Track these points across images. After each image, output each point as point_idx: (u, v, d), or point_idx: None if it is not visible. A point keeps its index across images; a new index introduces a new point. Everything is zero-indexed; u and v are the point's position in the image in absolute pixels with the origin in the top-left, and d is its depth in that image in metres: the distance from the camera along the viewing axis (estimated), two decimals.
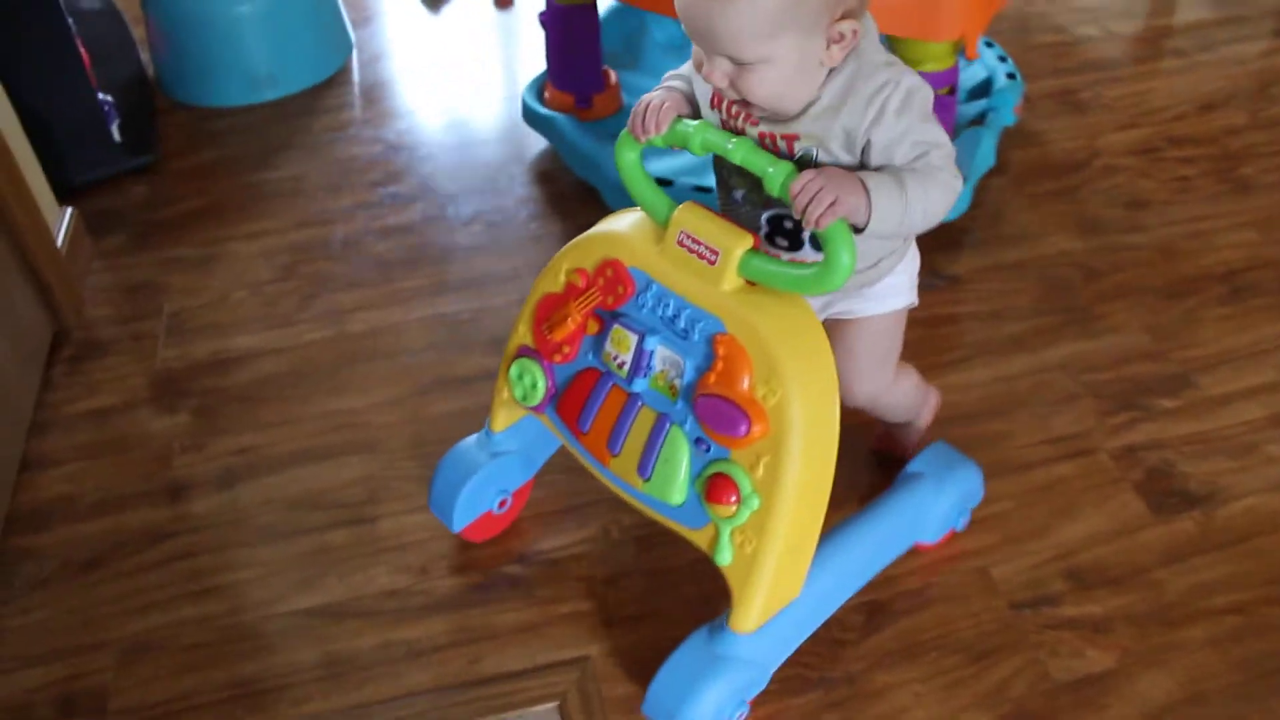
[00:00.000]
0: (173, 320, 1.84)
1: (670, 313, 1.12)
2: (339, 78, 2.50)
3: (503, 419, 1.36)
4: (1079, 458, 1.53)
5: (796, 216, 1.01)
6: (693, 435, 1.13)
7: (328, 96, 2.44)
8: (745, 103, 1.07)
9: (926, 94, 1.07)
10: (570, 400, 1.22)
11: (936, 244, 1.88)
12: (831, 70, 1.05)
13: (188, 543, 1.48)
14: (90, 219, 2.02)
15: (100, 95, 2.12)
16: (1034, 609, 1.35)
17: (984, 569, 1.39)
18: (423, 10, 2.78)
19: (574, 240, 1.21)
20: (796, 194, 1.00)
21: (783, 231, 1.18)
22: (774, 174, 1.02)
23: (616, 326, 1.15)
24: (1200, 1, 2.58)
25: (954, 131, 1.85)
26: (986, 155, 1.94)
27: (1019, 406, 1.61)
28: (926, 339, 1.73)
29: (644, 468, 1.16)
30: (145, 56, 2.48)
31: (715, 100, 1.12)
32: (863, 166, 1.07)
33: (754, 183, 1.09)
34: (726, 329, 1.08)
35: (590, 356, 1.21)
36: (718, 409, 1.09)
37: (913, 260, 1.28)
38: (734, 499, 1.10)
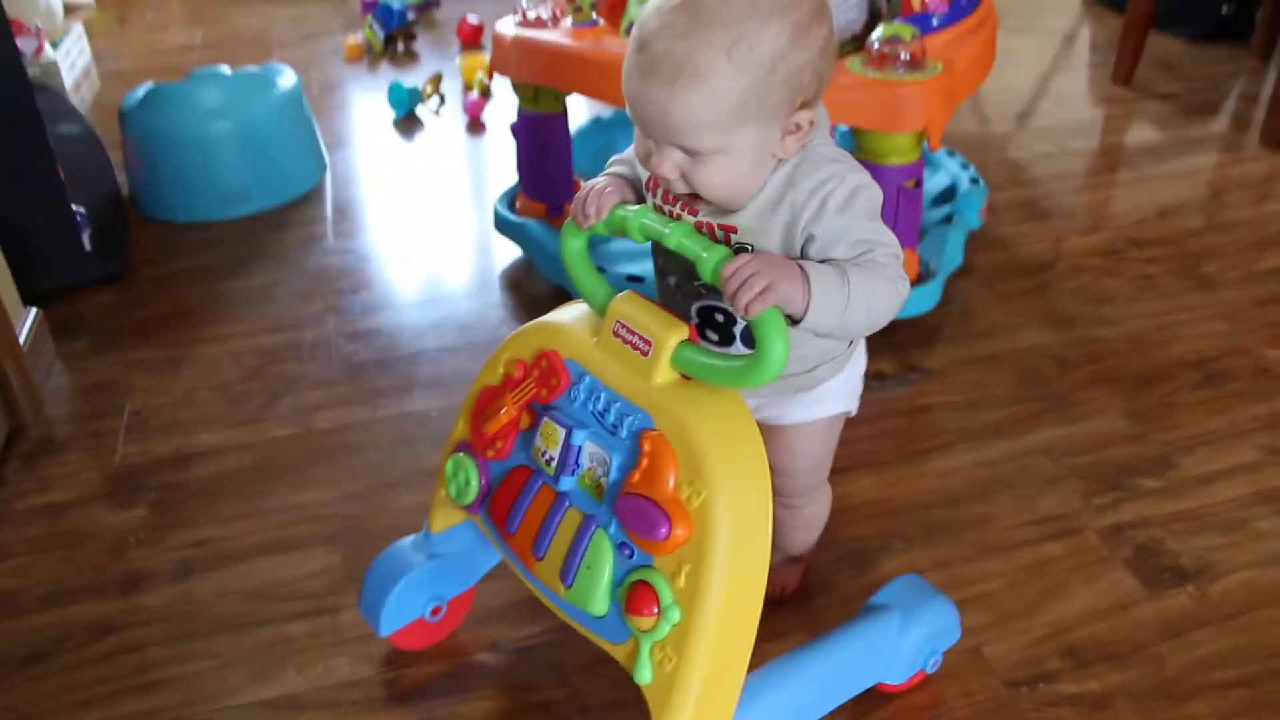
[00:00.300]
0: (134, 418, 1.79)
1: (600, 406, 1.05)
2: (312, 195, 2.52)
3: (441, 519, 1.27)
4: (1066, 537, 1.49)
5: (726, 303, 0.94)
6: (617, 539, 1.03)
7: (300, 212, 2.46)
8: (692, 195, 1.02)
9: (874, 193, 1.01)
10: (500, 499, 1.14)
11: (910, 339, 1.89)
12: (778, 161, 1.01)
13: (138, 635, 1.40)
14: (56, 324, 1.99)
15: (74, 207, 2.12)
16: (1030, 687, 1.29)
17: (976, 648, 1.33)
18: (396, 135, 2.85)
19: (515, 331, 1.16)
20: (728, 278, 0.93)
21: (713, 324, 1.12)
22: (708, 259, 0.95)
23: (546, 420, 1.08)
24: (1149, 124, 2.69)
25: (921, 229, 1.88)
26: (954, 253, 1.97)
27: (1002, 489, 1.57)
28: (906, 428, 1.71)
29: (566, 573, 1.06)
30: (121, 178, 2.50)
31: (651, 184, 1.07)
32: None
33: (686, 270, 1.05)
34: (654, 424, 1.00)
35: (523, 453, 1.12)
36: (638, 509, 0.99)
37: (856, 364, 1.22)
38: (654, 610, 0.99)
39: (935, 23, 1.85)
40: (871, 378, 1.79)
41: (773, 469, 1.19)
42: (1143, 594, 1.40)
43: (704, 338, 1.12)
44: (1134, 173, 2.47)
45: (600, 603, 1.04)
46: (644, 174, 1.07)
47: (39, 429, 1.79)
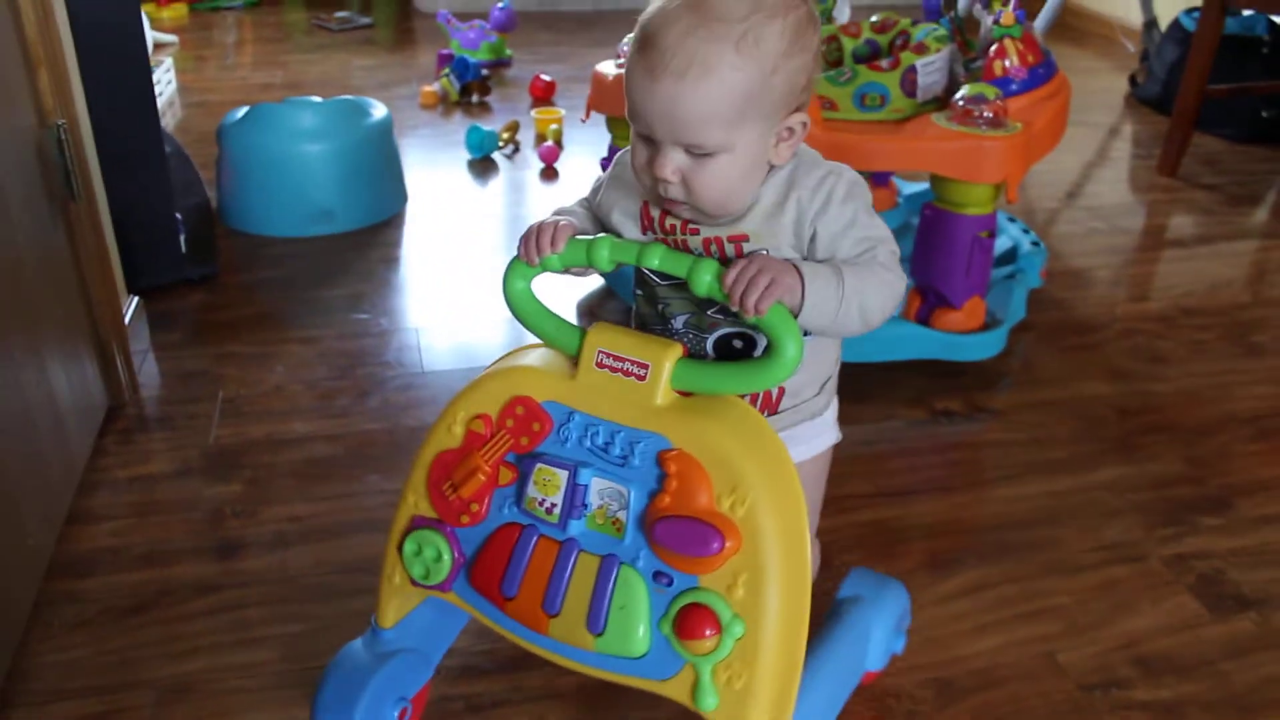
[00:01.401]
0: (227, 404, 1.86)
1: (601, 440, 1.00)
2: (393, 221, 2.63)
3: (394, 611, 1.16)
4: (1132, 562, 1.54)
5: (734, 308, 0.95)
6: (649, 570, 0.98)
7: (383, 235, 2.56)
8: (684, 213, 1.02)
9: (867, 190, 1.04)
10: (487, 565, 1.05)
11: (976, 382, 1.97)
12: (771, 169, 1.02)
13: (236, 596, 1.45)
14: (151, 317, 2.08)
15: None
16: (1104, 691, 1.33)
17: (1050, 654, 1.38)
18: (472, 175, 2.96)
19: (466, 387, 1.08)
20: (731, 284, 0.94)
21: (732, 353, 1.08)
22: (700, 272, 0.95)
23: (540, 466, 1.02)
24: (1194, 210, 2.80)
25: (988, 282, 1.97)
26: (1018, 306, 2.06)
27: (1069, 517, 1.63)
28: (973, 460, 1.78)
29: (594, 621, 1.00)
30: (210, 193, 2.61)
31: (645, 220, 1.06)
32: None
33: (696, 305, 1.05)
34: (673, 444, 0.97)
35: (506, 510, 1.05)
36: (682, 531, 0.95)
37: (835, 394, 1.21)
38: (714, 630, 0.95)
39: (1015, 87, 1.97)
40: (940, 415, 1.88)
41: None
42: (1207, 617, 1.45)
43: None
44: (1182, 251, 2.57)
45: (641, 642, 0.99)
46: (632, 209, 1.07)
47: (135, 409, 1.86)
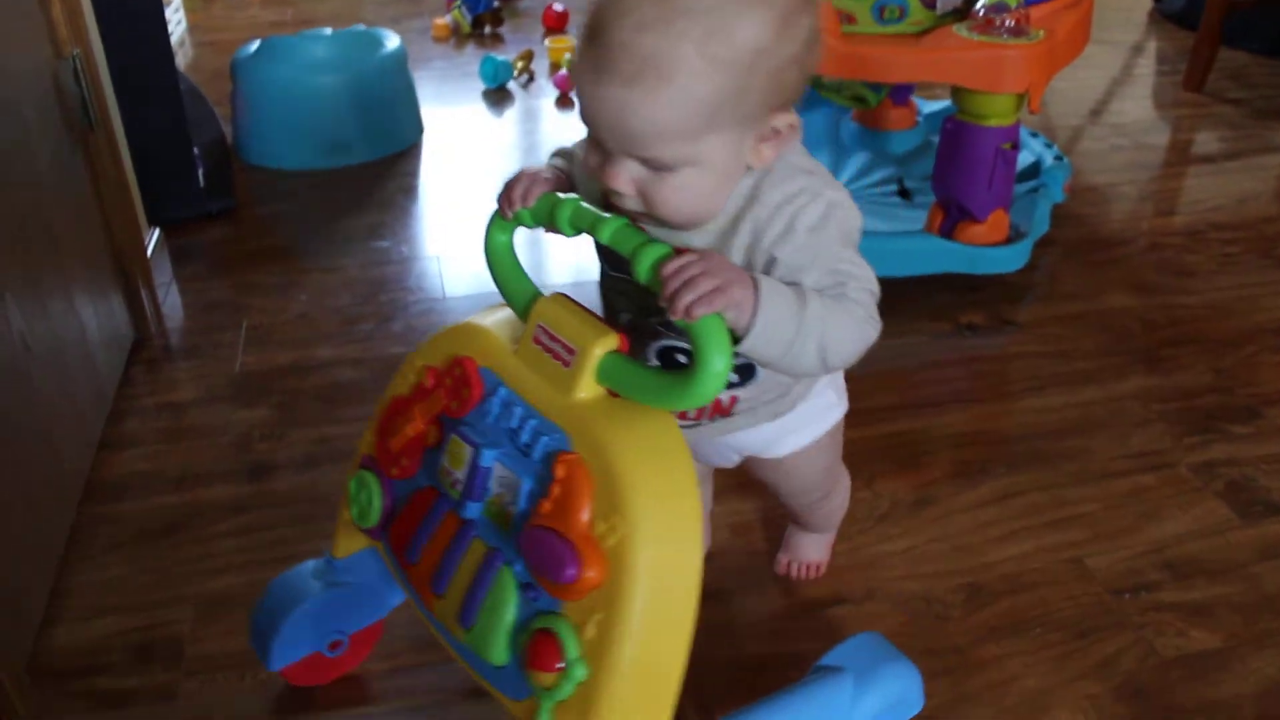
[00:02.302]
0: (252, 332, 1.87)
1: (514, 423, 0.90)
2: (410, 152, 2.61)
3: (345, 544, 1.12)
4: (1159, 470, 1.54)
5: (664, 304, 0.79)
6: (522, 579, 0.89)
7: (400, 165, 2.55)
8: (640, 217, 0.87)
9: (852, 215, 0.87)
10: (403, 524, 1.00)
11: (999, 295, 1.95)
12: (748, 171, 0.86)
13: (269, 516, 1.47)
14: (173, 251, 2.08)
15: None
16: (1134, 594, 1.33)
17: (1078, 559, 1.39)
18: (487, 105, 2.94)
19: (432, 334, 1.03)
20: (669, 275, 0.78)
21: (676, 366, 0.95)
22: (645, 255, 0.81)
23: (454, 437, 0.94)
24: (1221, 125, 2.75)
25: (1011, 195, 1.95)
26: (1042, 219, 2.03)
27: (1097, 428, 1.63)
28: (999, 372, 1.77)
29: (466, 614, 0.92)
30: (225, 128, 2.60)
31: (602, 207, 0.89)
32: None
33: (642, 305, 0.93)
34: (572, 446, 0.86)
35: (427, 474, 0.99)
36: (543, 544, 0.84)
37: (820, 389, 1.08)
38: (557, 665, 0.84)
39: None
40: (964, 328, 1.87)
41: (779, 493, 1.21)
42: (1237, 522, 1.45)
43: None
44: (1209, 166, 2.53)
45: (501, 651, 0.90)
46: (593, 189, 0.91)
47: (161, 339, 1.87)
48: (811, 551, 1.35)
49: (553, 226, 0.89)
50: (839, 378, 1.12)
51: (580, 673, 0.83)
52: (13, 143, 1.40)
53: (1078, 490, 1.50)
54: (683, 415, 1.00)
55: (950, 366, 1.79)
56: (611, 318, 0.99)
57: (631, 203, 0.84)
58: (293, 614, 1.14)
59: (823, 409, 1.09)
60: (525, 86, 3.02)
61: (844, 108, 2.48)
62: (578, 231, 0.87)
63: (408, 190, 2.43)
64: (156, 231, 1.99)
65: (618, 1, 0.77)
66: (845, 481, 1.29)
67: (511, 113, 2.93)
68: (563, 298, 0.91)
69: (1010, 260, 1.94)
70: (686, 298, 0.77)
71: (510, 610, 0.89)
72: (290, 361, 1.79)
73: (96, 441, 1.58)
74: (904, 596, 1.33)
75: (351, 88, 2.48)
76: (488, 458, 0.91)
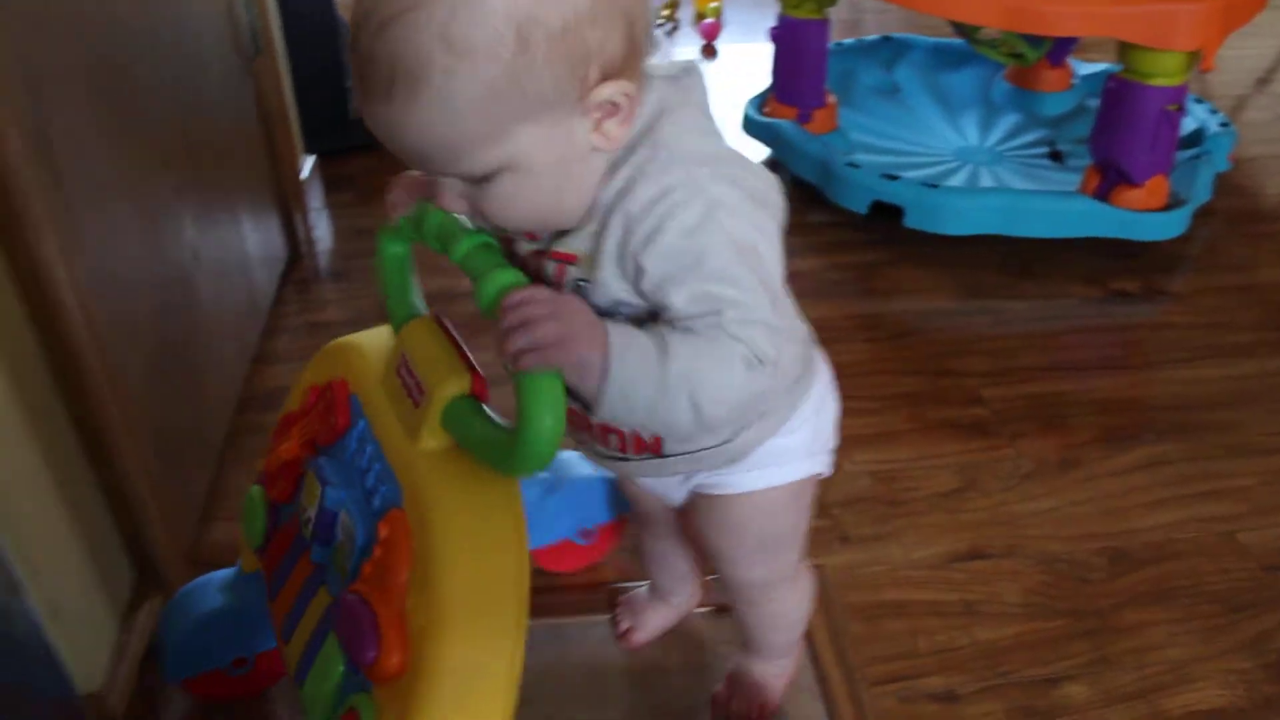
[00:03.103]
0: None
1: (364, 463, 0.80)
2: None
3: (248, 558, 1.00)
4: None
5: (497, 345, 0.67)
6: None
7: None
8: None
9: (745, 220, 0.68)
10: (273, 553, 0.90)
11: (1154, 264, 1.89)
12: (621, 155, 0.70)
13: None
14: (325, 179, 2.14)
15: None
16: None
17: (1231, 533, 1.34)
18: None
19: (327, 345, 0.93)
20: (508, 307, 0.66)
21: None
22: (490, 281, 0.68)
23: (310, 471, 0.84)
24: None
25: (1173, 160, 1.87)
26: (1204, 187, 1.95)
27: (1252, 401, 1.57)
28: (1151, 340, 1.72)
29: (301, 670, 0.82)
30: None
31: None
32: (652, 315, 0.71)
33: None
34: (402, 503, 0.75)
35: (295, 505, 0.88)
36: (351, 614, 0.73)
37: (817, 413, 0.87)
38: None
39: None
40: (1115, 295, 1.81)
41: (716, 555, 0.95)
42: None
43: (576, 399, 0.73)
44: None
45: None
46: None
47: (312, 261, 1.93)
48: (755, 688, 1.08)
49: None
50: (824, 424, 0.89)
51: None
52: (191, 62, 1.45)
53: (1230, 463, 1.45)
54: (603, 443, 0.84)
55: (1099, 332, 1.74)
56: None
57: (476, 219, 0.72)
58: (187, 629, 1.05)
59: (791, 453, 0.87)
60: (669, 35, 3.01)
61: (998, 65, 2.42)
62: (442, 247, 0.72)
63: None
64: (311, 159, 2.05)
65: (357, 6, 0.64)
66: (803, 585, 1.03)
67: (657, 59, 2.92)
68: (432, 323, 0.79)
69: (1168, 227, 1.86)
70: (518, 341, 0.65)
71: (334, 678, 0.78)
72: (437, 289, 1.79)
73: (252, 355, 1.65)
74: (1045, 556, 1.30)
75: None
76: (333, 500, 0.80)
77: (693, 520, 0.96)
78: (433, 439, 0.75)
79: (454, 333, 0.79)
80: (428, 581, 0.71)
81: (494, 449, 0.70)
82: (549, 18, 0.62)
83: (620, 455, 0.85)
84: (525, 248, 0.76)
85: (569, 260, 0.73)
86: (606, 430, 0.82)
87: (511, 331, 0.65)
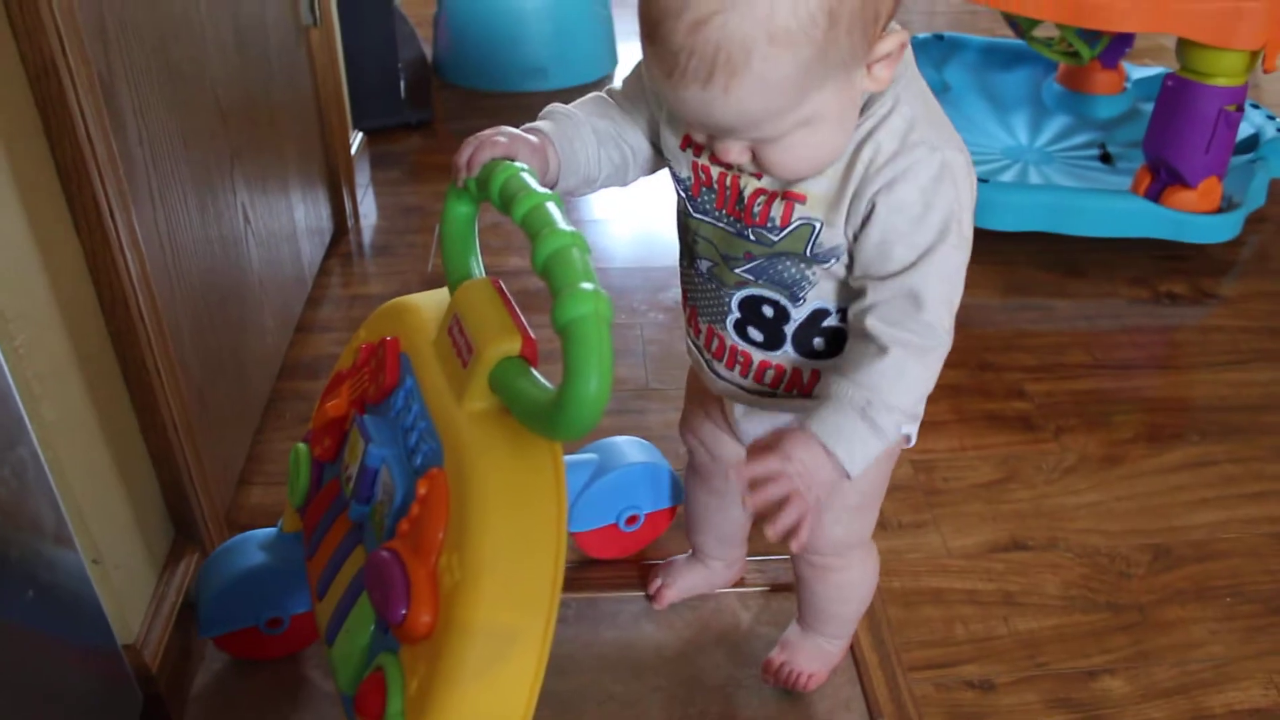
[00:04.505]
0: None
1: (409, 421, 0.79)
2: (603, 81, 2.64)
3: (290, 518, 1.02)
4: None
5: (752, 509, 0.74)
6: None
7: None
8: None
9: (966, 183, 0.75)
10: (314, 511, 0.90)
11: (1204, 267, 1.87)
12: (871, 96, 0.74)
13: None
14: (373, 156, 2.15)
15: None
16: None
17: (1277, 535, 1.32)
18: None
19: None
20: (747, 478, 0.74)
21: (759, 320, 0.84)
22: (545, 240, 0.67)
23: (354, 428, 0.84)
24: None
25: (1228, 163, 1.85)
26: (1259, 191, 1.93)
27: None
28: (1199, 342, 1.69)
29: (331, 629, 0.82)
30: (426, 49, 2.67)
31: (687, 139, 0.81)
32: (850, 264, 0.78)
33: (720, 254, 0.83)
34: (443, 463, 0.74)
35: (340, 463, 0.88)
36: (383, 571, 0.72)
37: None
38: (379, 717, 0.72)
39: None
40: (1163, 297, 1.79)
41: None
42: None
43: (745, 338, 0.85)
44: None
45: (347, 680, 0.79)
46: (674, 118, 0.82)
47: (357, 235, 1.94)
48: (809, 659, 1.10)
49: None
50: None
51: None
52: (253, 27, 1.47)
53: (1278, 466, 1.42)
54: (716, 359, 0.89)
55: (1146, 333, 1.72)
56: (691, 264, 0.88)
57: (749, 167, 0.76)
58: (224, 586, 1.05)
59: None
60: None
61: (1049, 66, 2.40)
62: (505, 206, 0.72)
63: None
64: (360, 135, 2.07)
65: None
66: (873, 559, 1.06)
67: None
68: (488, 285, 0.79)
69: (1220, 230, 1.84)
70: (785, 524, 0.73)
71: (364, 637, 0.78)
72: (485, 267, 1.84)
73: (295, 323, 1.66)
74: (1087, 549, 1.29)
75: (552, 13, 2.52)
76: (374, 457, 0.80)
77: None
78: (479, 399, 0.74)
79: (509, 296, 0.78)
80: (462, 542, 0.69)
81: (538, 412, 0.68)
82: None
83: (758, 389, 0.88)
84: (748, 186, 0.79)
85: (797, 199, 0.77)
86: (765, 366, 0.86)
87: (772, 519, 0.73)
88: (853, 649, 1.14)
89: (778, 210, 0.77)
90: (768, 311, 0.84)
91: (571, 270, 0.65)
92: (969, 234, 0.76)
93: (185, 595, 1.12)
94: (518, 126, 0.82)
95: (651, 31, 0.66)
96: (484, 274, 0.83)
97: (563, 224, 0.68)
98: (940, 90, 2.36)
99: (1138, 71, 2.39)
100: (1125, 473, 1.40)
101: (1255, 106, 2.19)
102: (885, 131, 0.73)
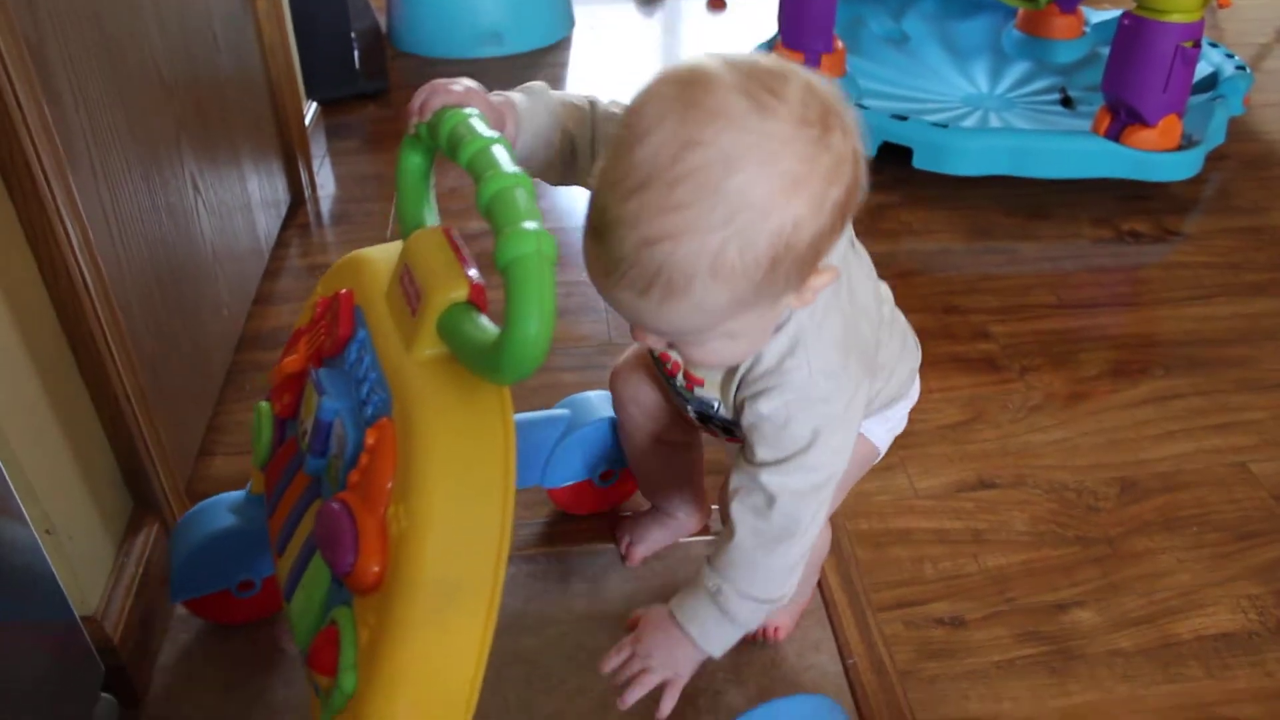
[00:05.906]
0: None
1: (361, 373, 0.79)
2: (560, 45, 2.62)
3: (258, 479, 0.98)
4: None
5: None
6: None
7: (550, 56, 2.57)
8: None
9: (844, 433, 0.79)
10: (273, 468, 0.90)
11: (1166, 206, 1.87)
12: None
13: None
14: (328, 127, 2.13)
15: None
16: None
17: (1243, 464, 1.32)
18: (634, 10, 2.92)
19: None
20: (611, 656, 0.85)
21: (715, 420, 0.90)
22: (485, 185, 0.65)
23: (309, 382, 0.83)
24: None
25: (1187, 100, 1.84)
26: (1218, 129, 1.92)
27: (1265, 338, 1.54)
28: (1163, 278, 1.69)
29: (290, 584, 0.81)
30: (380, 18, 2.64)
31: None
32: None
33: (699, 412, 0.90)
34: (392, 412, 0.73)
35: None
36: (332, 521, 0.71)
37: (898, 403, 0.97)
38: (329, 672, 0.71)
39: None
40: (1126, 235, 1.79)
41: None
42: None
43: (706, 421, 0.91)
44: None
45: (304, 635, 0.78)
46: None
47: (314, 206, 1.92)
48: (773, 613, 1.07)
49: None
50: (899, 420, 0.98)
51: (349, 684, 0.70)
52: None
53: (1243, 397, 1.43)
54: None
55: (1110, 272, 1.72)
56: (680, 410, 0.93)
57: (663, 347, 0.81)
58: (192, 549, 1.04)
59: (876, 433, 0.96)
60: None
61: (1008, 13, 2.39)
62: (452, 152, 0.70)
63: (557, 82, 2.42)
64: (314, 106, 2.04)
65: (615, 192, 0.64)
66: (826, 531, 1.03)
67: (661, 14, 2.91)
68: (437, 232, 0.77)
69: (1180, 168, 1.84)
70: (634, 694, 0.83)
71: (320, 592, 0.77)
72: None
73: (253, 295, 1.64)
74: (1054, 485, 1.29)
75: None
76: (328, 411, 0.79)
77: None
78: (427, 347, 0.73)
79: (460, 243, 0.76)
80: (408, 490, 0.69)
81: (481, 356, 0.67)
82: (801, 240, 0.65)
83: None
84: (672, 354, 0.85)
85: (698, 383, 0.85)
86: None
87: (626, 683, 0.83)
88: (822, 590, 1.14)
89: (680, 384, 0.86)
90: (720, 420, 0.89)
91: (514, 210, 0.63)
92: (845, 446, 0.80)
93: (145, 566, 1.11)
94: (486, 86, 0.81)
95: (599, 230, 0.65)
96: (437, 223, 0.81)
97: (508, 166, 0.66)
98: (899, 40, 2.35)
99: (1096, 15, 2.38)
100: (1091, 409, 1.40)
101: (1214, 45, 2.19)
102: (770, 346, 0.77)
